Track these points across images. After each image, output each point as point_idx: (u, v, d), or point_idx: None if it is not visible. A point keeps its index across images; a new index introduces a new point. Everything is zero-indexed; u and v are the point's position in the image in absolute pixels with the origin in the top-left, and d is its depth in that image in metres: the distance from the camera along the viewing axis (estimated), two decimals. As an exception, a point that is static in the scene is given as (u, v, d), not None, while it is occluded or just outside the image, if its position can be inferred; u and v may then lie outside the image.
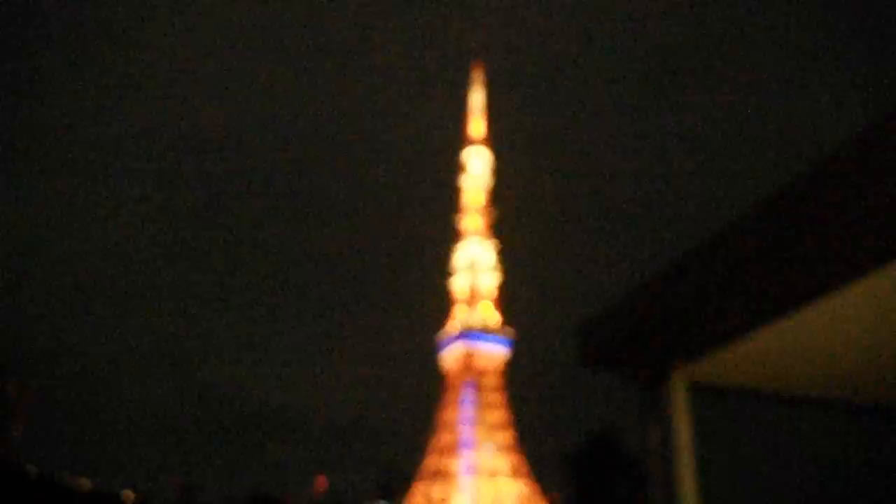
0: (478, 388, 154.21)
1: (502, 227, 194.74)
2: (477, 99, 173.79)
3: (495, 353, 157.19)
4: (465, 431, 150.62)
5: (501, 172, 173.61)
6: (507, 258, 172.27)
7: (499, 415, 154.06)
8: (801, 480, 4.77)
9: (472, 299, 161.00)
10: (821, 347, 4.54)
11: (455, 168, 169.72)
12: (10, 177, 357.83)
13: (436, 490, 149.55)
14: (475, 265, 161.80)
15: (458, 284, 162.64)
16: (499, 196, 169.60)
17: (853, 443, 5.08)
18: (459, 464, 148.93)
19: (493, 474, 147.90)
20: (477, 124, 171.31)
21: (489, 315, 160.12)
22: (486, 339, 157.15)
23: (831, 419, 5.13)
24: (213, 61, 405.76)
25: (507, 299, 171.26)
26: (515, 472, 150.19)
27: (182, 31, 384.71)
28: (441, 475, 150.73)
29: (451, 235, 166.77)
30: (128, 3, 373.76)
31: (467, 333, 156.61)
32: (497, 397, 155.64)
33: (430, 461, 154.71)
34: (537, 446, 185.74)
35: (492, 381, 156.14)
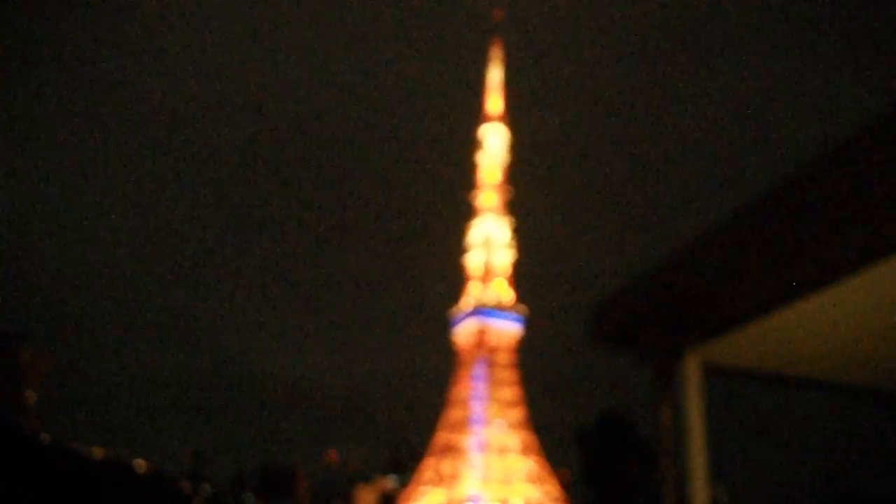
0: (490, 364, 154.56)
1: (518, 205, 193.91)
2: (495, 75, 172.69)
3: (508, 330, 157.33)
4: (477, 408, 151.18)
5: (518, 149, 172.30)
6: (522, 235, 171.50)
7: (510, 392, 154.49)
8: (809, 461, 4.79)
9: (487, 276, 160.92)
10: (834, 332, 4.54)
11: (472, 144, 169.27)
12: (49, 151, 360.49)
13: (446, 466, 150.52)
14: (490, 242, 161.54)
15: (473, 261, 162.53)
16: (515, 173, 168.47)
17: (862, 426, 5.10)
18: (470, 440, 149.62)
19: (503, 451, 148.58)
20: (494, 101, 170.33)
21: (503, 292, 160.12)
22: (500, 316, 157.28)
23: (842, 403, 5.14)
24: (223, 38, 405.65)
25: (521, 277, 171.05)
26: (526, 450, 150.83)
27: (187, 14, 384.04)
28: (451, 451, 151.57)
29: (466, 212, 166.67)
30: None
31: (481, 310, 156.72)
32: (509, 374, 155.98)
33: (441, 437, 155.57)
34: (548, 424, 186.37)
35: (504, 357, 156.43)
